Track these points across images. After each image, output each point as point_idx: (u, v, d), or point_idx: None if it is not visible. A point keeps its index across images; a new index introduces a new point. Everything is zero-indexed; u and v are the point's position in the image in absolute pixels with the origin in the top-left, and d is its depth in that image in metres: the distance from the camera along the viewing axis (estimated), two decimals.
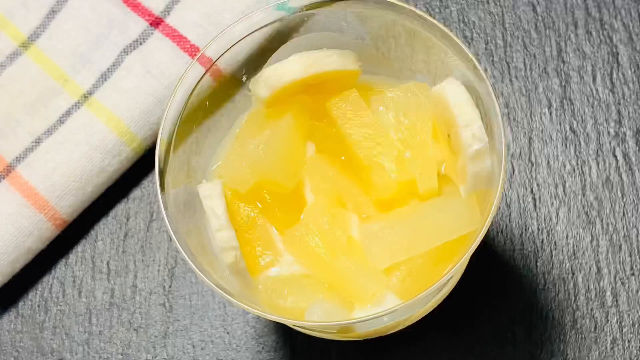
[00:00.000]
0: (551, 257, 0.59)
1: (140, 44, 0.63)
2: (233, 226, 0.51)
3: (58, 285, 0.61)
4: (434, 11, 0.64)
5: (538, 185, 0.60)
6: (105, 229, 0.62)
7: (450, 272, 0.48)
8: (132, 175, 0.62)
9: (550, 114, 0.62)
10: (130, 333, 0.60)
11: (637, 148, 0.60)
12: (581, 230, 0.59)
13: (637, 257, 0.59)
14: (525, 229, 0.59)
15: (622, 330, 0.57)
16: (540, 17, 0.63)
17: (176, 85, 0.52)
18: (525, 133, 0.61)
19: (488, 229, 0.49)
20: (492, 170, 0.51)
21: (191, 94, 0.53)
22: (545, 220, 0.60)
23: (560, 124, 0.61)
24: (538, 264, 0.59)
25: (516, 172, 0.60)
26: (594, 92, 0.62)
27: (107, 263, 0.61)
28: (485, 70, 0.62)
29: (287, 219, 0.52)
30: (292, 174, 0.53)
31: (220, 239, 0.51)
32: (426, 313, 0.57)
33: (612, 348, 0.57)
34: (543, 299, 0.58)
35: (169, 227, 0.50)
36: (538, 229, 0.59)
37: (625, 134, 0.61)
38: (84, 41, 0.63)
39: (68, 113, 0.62)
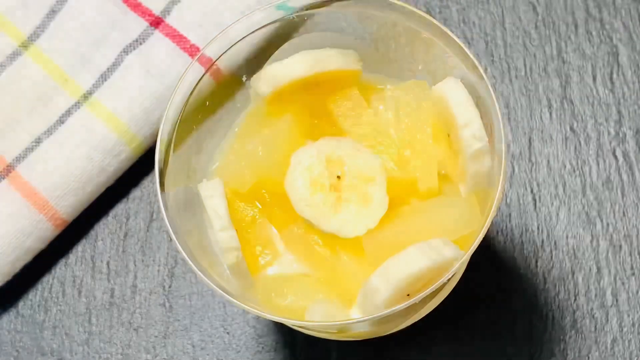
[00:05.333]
0: (551, 257, 0.59)
1: (140, 44, 0.63)
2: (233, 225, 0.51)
3: (58, 285, 0.61)
4: (434, 11, 0.64)
5: (538, 185, 0.60)
6: (105, 229, 0.62)
7: (450, 272, 0.48)
8: (132, 175, 0.62)
9: (550, 114, 0.62)
10: (130, 333, 0.60)
11: (637, 148, 0.60)
12: (581, 230, 0.59)
13: (637, 257, 0.59)
14: (525, 229, 0.59)
15: (622, 330, 0.57)
16: (540, 17, 0.63)
17: (176, 85, 0.52)
18: (525, 133, 0.61)
19: (488, 229, 0.49)
20: (492, 170, 0.51)
21: (191, 94, 0.53)
22: (545, 220, 0.60)
23: (560, 124, 0.61)
24: (538, 264, 0.59)
25: (516, 172, 0.61)
26: (594, 92, 0.62)
27: (107, 263, 0.61)
28: (485, 70, 0.62)
29: (287, 217, 0.52)
30: None
31: (222, 240, 0.51)
32: (426, 313, 0.57)
33: (612, 348, 0.57)
34: (543, 299, 0.58)
35: (169, 227, 0.50)
36: (538, 229, 0.59)
37: (625, 134, 0.61)
38: (84, 41, 0.63)
39: (68, 113, 0.62)
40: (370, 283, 0.48)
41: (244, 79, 0.55)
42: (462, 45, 0.51)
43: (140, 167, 0.62)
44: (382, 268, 0.48)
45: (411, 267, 0.48)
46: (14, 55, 0.63)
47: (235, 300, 0.49)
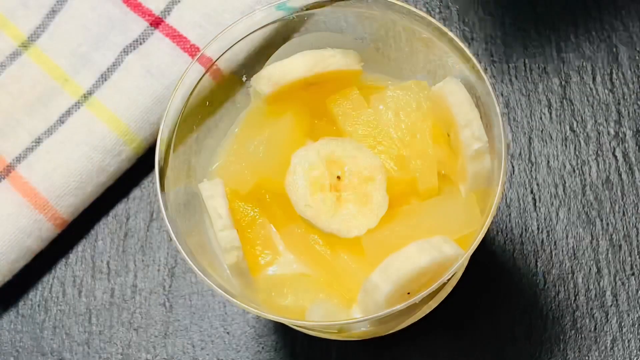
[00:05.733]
0: (551, 257, 0.59)
1: (140, 44, 0.63)
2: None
3: (58, 285, 0.61)
4: (434, 11, 0.64)
5: (538, 185, 0.60)
6: (105, 228, 0.62)
7: (450, 272, 0.48)
8: (132, 175, 0.62)
9: (550, 114, 0.62)
10: (130, 333, 0.60)
11: (637, 148, 0.61)
12: (581, 230, 0.59)
13: (637, 257, 0.59)
14: (525, 229, 0.59)
15: (622, 330, 0.57)
16: (540, 17, 0.63)
17: (176, 85, 0.52)
18: (525, 133, 0.61)
19: (488, 229, 0.49)
20: (492, 170, 0.51)
21: (191, 94, 0.53)
22: (545, 220, 0.60)
23: (560, 123, 0.61)
24: (538, 264, 0.59)
25: (516, 172, 0.61)
26: (594, 92, 0.62)
27: (107, 263, 0.61)
28: (485, 70, 0.62)
29: (287, 217, 0.52)
30: None
31: (223, 239, 0.51)
32: (426, 313, 0.57)
33: (612, 348, 0.57)
34: (543, 299, 0.58)
35: (169, 227, 0.50)
36: (538, 229, 0.59)
37: (625, 133, 0.61)
38: (84, 41, 0.63)
39: (68, 113, 0.62)
40: (370, 280, 0.48)
41: (244, 79, 0.55)
42: (462, 45, 0.51)
43: (140, 167, 0.62)
44: (383, 265, 0.48)
45: (411, 264, 0.48)
46: (14, 55, 0.63)
47: (235, 300, 0.49)
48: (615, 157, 0.61)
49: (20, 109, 0.62)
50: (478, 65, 0.51)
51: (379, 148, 0.52)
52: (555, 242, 0.59)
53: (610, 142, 0.61)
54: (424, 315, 0.57)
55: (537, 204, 0.60)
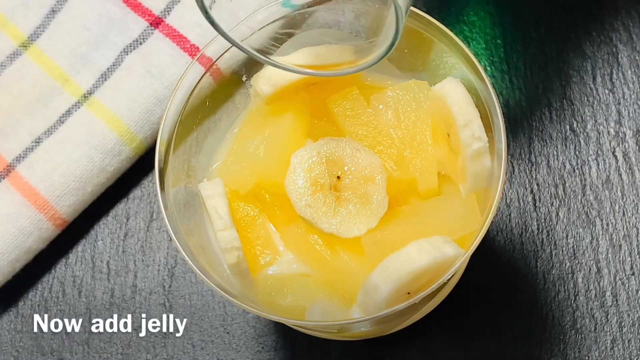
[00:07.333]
0: (551, 257, 0.59)
1: (140, 44, 0.63)
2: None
3: (58, 285, 0.61)
4: (433, 11, 0.64)
5: (538, 185, 0.60)
6: (105, 229, 0.62)
7: (450, 272, 0.48)
8: (132, 175, 0.62)
9: (550, 113, 0.62)
10: (130, 333, 0.60)
11: (637, 148, 0.61)
12: (581, 230, 0.59)
13: (637, 257, 0.59)
14: (525, 229, 0.59)
15: (622, 330, 0.57)
16: (540, 17, 0.63)
17: (176, 85, 0.52)
18: (525, 133, 0.61)
19: (488, 229, 0.49)
20: (492, 169, 0.51)
21: (191, 94, 0.53)
22: (545, 220, 0.60)
23: (560, 123, 0.61)
24: (538, 264, 0.59)
25: (516, 171, 0.61)
26: (594, 92, 0.62)
27: (107, 263, 0.61)
28: (485, 70, 0.62)
29: (287, 217, 0.52)
30: None
31: (223, 239, 0.51)
32: (426, 313, 0.57)
33: (612, 348, 0.57)
34: (543, 299, 0.58)
35: (169, 227, 0.50)
36: (538, 229, 0.59)
37: (625, 133, 0.61)
38: (84, 41, 0.63)
39: (68, 113, 0.62)
40: (370, 280, 0.48)
41: (244, 79, 0.55)
42: (462, 45, 0.51)
43: (140, 167, 0.62)
44: (383, 265, 0.48)
45: (411, 264, 0.48)
46: (14, 55, 0.63)
47: (235, 300, 0.49)
48: (615, 157, 0.61)
49: (20, 109, 0.62)
50: (478, 65, 0.51)
51: (379, 148, 0.52)
52: (555, 242, 0.59)
53: (610, 142, 0.61)
54: (424, 315, 0.57)
55: (537, 204, 0.60)
